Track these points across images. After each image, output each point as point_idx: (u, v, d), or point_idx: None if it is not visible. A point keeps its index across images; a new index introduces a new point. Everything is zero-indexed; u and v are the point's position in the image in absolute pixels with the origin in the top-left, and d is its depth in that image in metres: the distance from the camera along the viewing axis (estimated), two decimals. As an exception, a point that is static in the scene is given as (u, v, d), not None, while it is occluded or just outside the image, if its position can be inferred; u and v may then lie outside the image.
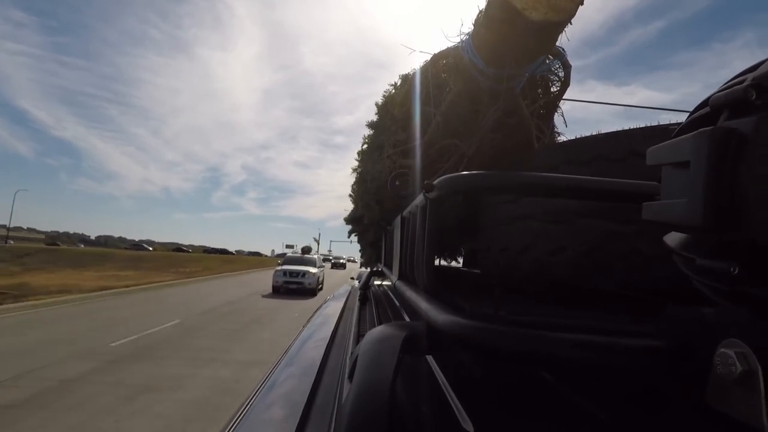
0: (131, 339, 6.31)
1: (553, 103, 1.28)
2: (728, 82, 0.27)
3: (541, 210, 0.76)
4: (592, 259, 0.68)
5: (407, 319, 0.90)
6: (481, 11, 0.90)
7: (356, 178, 1.76)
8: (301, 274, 14.01)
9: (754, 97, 0.23)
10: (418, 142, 1.17)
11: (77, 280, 13.03)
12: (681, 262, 0.31)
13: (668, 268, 0.34)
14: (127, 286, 12.74)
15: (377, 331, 0.42)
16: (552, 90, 1.26)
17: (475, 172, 0.47)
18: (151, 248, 57.37)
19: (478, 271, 1.39)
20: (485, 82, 0.97)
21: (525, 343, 0.33)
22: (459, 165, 1.10)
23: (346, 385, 0.42)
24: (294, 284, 13.84)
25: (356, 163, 1.75)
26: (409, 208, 0.72)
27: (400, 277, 0.77)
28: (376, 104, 1.54)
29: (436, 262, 1.64)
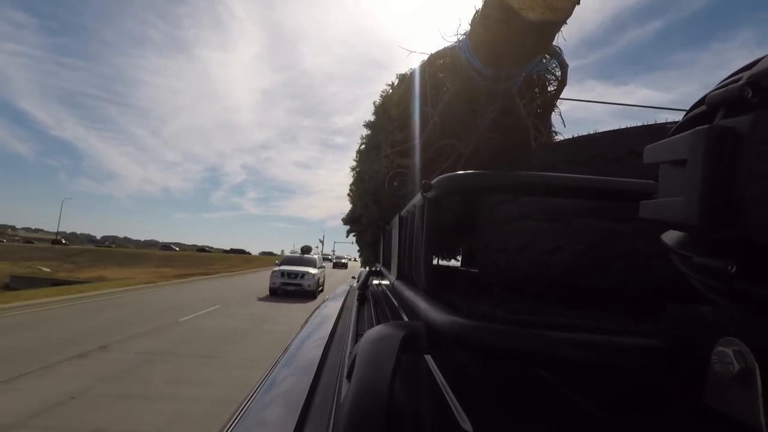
0: (193, 316, 8.63)
1: (550, 103, 1.28)
2: (724, 80, 0.28)
3: (539, 209, 0.76)
4: (590, 258, 0.68)
5: (406, 318, 0.90)
6: (478, 11, 0.90)
7: (354, 177, 1.75)
8: (299, 275, 13.18)
9: (750, 95, 0.23)
10: (416, 141, 1.17)
11: (129, 275, 16.16)
12: (678, 261, 0.31)
13: (666, 266, 0.34)
14: (177, 277, 16.42)
15: (376, 331, 0.42)
16: (549, 89, 1.26)
17: (472, 171, 0.47)
18: (177, 248, 67.84)
19: (477, 271, 1.39)
20: (482, 81, 0.97)
21: (523, 342, 0.33)
22: (457, 165, 1.10)
23: (345, 385, 0.42)
24: (292, 286, 13.01)
25: (355, 163, 1.74)
26: (407, 208, 0.72)
27: (399, 277, 0.77)
28: (374, 104, 1.54)
29: (435, 262, 1.64)
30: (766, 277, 0.23)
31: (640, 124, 0.74)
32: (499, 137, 1.09)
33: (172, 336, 6.66)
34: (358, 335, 0.83)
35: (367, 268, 2.04)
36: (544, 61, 1.14)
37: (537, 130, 1.20)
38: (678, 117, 0.34)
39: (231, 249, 72.24)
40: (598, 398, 0.40)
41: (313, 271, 13.66)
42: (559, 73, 1.21)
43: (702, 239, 0.28)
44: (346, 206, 2.03)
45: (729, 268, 0.24)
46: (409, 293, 0.58)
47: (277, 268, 13.67)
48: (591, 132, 0.85)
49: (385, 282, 1.85)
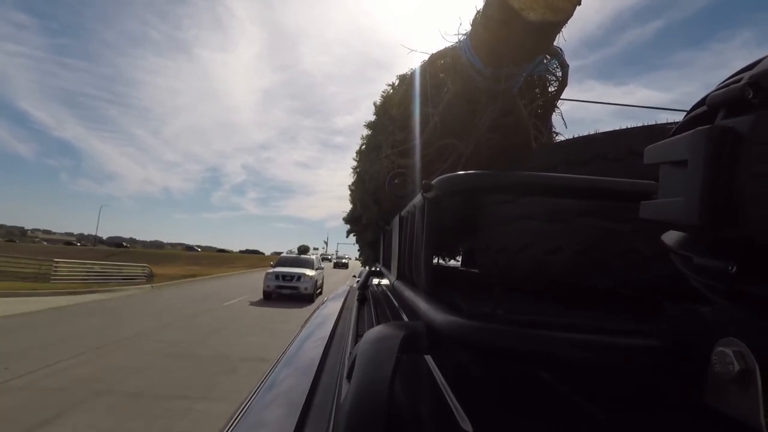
0: (233, 302, 11.19)
1: (550, 103, 1.28)
2: (725, 80, 0.28)
3: (540, 209, 0.76)
4: (590, 258, 0.68)
5: (406, 318, 0.90)
6: (478, 11, 0.90)
7: (354, 178, 1.75)
8: (295, 278, 12.01)
9: (751, 95, 0.23)
10: (416, 141, 1.17)
11: (167, 271, 18.90)
12: (678, 261, 0.31)
13: (666, 266, 0.34)
14: (207, 274, 20.13)
15: (376, 331, 0.42)
16: (550, 90, 1.26)
17: (473, 171, 0.47)
18: (199, 249, 78.86)
19: (477, 271, 1.39)
20: (483, 82, 0.97)
21: (523, 342, 0.33)
22: (457, 165, 1.10)
23: (345, 385, 0.42)
24: (287, 289, 11.83)
25: (355, 163, 1.74)
26: (407, 208, 0.72)
27: (399, 277, 0.77)
28: (374, 104, 1.54)
29: (435, 262, 1.64)
30: (766, 277, 0.23)
31: (640, 124, 0.74)
32: (499, 137, 1.09)
33: (227, 312, 9.36)
34: (358, 335, 0.83)
35: (368, 268, 2.04)
36: (544, 61, 1.14)
37: (537, 130, 1.20)
38: (678, 117, 0.34)
39: (246, 249, 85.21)
40: (598, 398, 0.40)
41: (310, 272, 12.52)
42: (559, 74, 1.21)
43: (702, 239, 0.28)
44: (347, 206, 2.03)
45: (729, 268, 0.24)
46: (409, 293, 0.58)
47: (271, 270, 12.47)
48: (591, 132, 0.85)
49: (385, 282, 1.85)
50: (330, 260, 44.73)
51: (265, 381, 0.73)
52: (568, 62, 1.18)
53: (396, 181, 1.04)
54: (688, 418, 0.35)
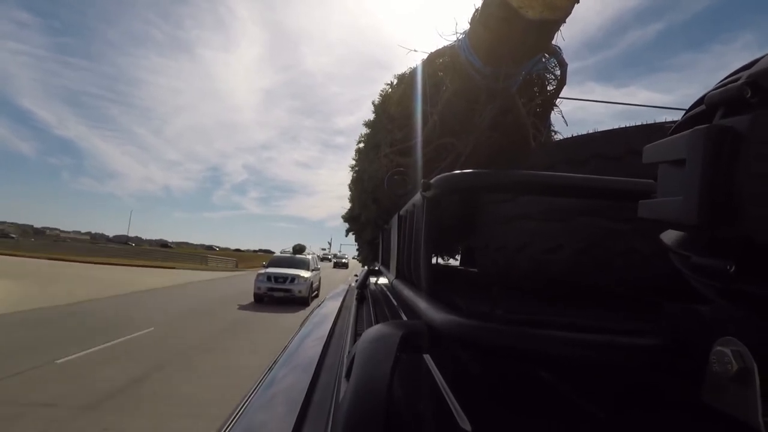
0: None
1: (549, 102, 1.28)
2: (723, 80, 0.28)
3: (538, 208, 0.76)
4: (589, 257, 0.68)
5: (405, 317, 0.90)
6: (477, 10, 0.89)
7: (353, 176, 1.75)
8: (288, 279, 10.97)
9: (749, 95, 0.23)
10: (417, 140, 1.17)
11: (241, 264, 27.03)
12: (677, 260, 0.31)
13: (665, 265, 0.34)
14: (233, 269, 27.78)
15: (374, 330, 0.42)
16: (548, 88, 1.26)
17: (471, 170, 0.47)
18: (217, 248, 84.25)
19: (476, 270, 1.39)
20: (482, 80, 0.97)
21: (522, 341, 0.33)
22: (456, 164, 1.10)
23: (344, 384, 0.42)
24: (280, 292, 10.84)
25: (354, 162, 1.74)
26: (406, 207, 0.72)
27: (398, 276, 0.77)
28: (373, 103, 1.54)
29: (434, 261, 1.64)
30: (765, 276, 0.23)
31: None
32: (498, 136, 1.09)
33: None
34: (357, 334, 0.83)
35: (366, 267, 2.04)
36: (543, 60, 1.14)
37: (536, 129, 1.20)
38: (677, 117, 0.34)
39: (259, 249, 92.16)
40: (597, 397, 0.40)
41: (305, 274, 11.44)
42: (558, 72, 1.21)
43: (701, 238, 0.28)
44: (347, 206, 2.03)
45: (728, 267, 0.24)
46: (408, 292, 0.58)
47: (263, 271, 11.42)
48: (590, 131, 0.85)
49: (384, 281, 1.85)
50: (330, 260, 44.69)
51: (264, 379, 0.73)
52: (567, 61, 1.18)
53: (395, 179, 1.04)
54: (687, 416, 0.36)
